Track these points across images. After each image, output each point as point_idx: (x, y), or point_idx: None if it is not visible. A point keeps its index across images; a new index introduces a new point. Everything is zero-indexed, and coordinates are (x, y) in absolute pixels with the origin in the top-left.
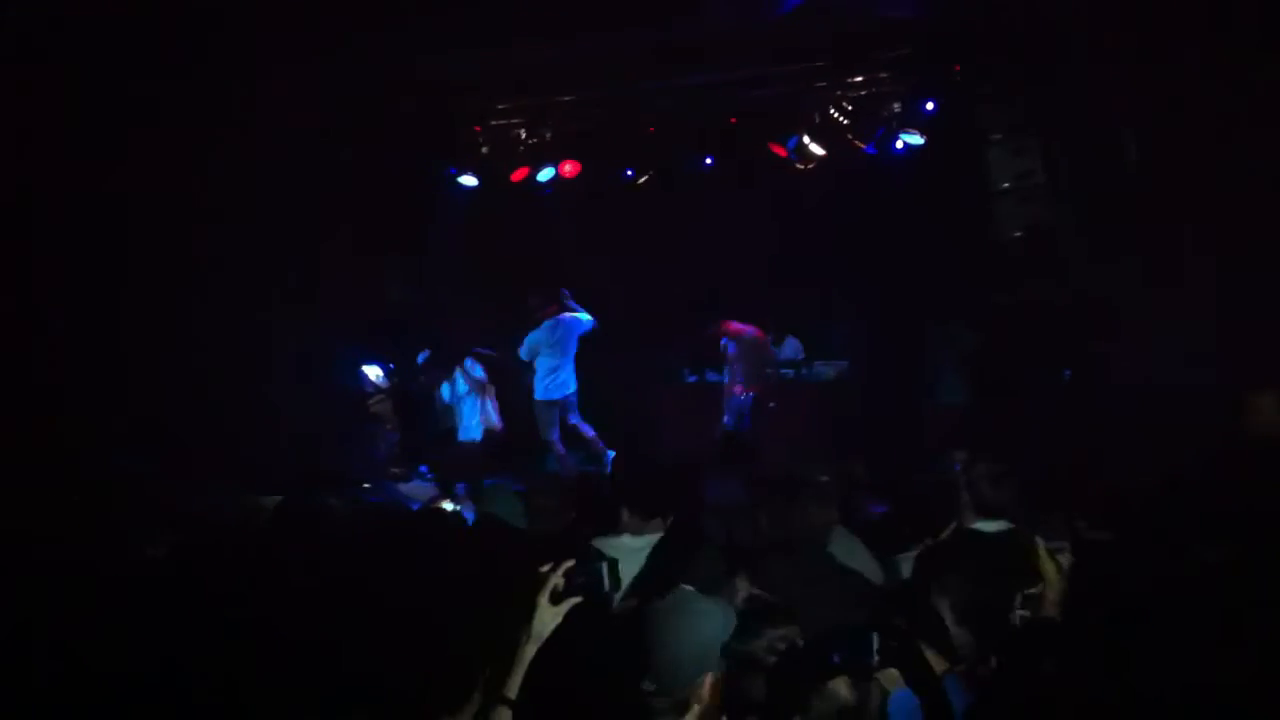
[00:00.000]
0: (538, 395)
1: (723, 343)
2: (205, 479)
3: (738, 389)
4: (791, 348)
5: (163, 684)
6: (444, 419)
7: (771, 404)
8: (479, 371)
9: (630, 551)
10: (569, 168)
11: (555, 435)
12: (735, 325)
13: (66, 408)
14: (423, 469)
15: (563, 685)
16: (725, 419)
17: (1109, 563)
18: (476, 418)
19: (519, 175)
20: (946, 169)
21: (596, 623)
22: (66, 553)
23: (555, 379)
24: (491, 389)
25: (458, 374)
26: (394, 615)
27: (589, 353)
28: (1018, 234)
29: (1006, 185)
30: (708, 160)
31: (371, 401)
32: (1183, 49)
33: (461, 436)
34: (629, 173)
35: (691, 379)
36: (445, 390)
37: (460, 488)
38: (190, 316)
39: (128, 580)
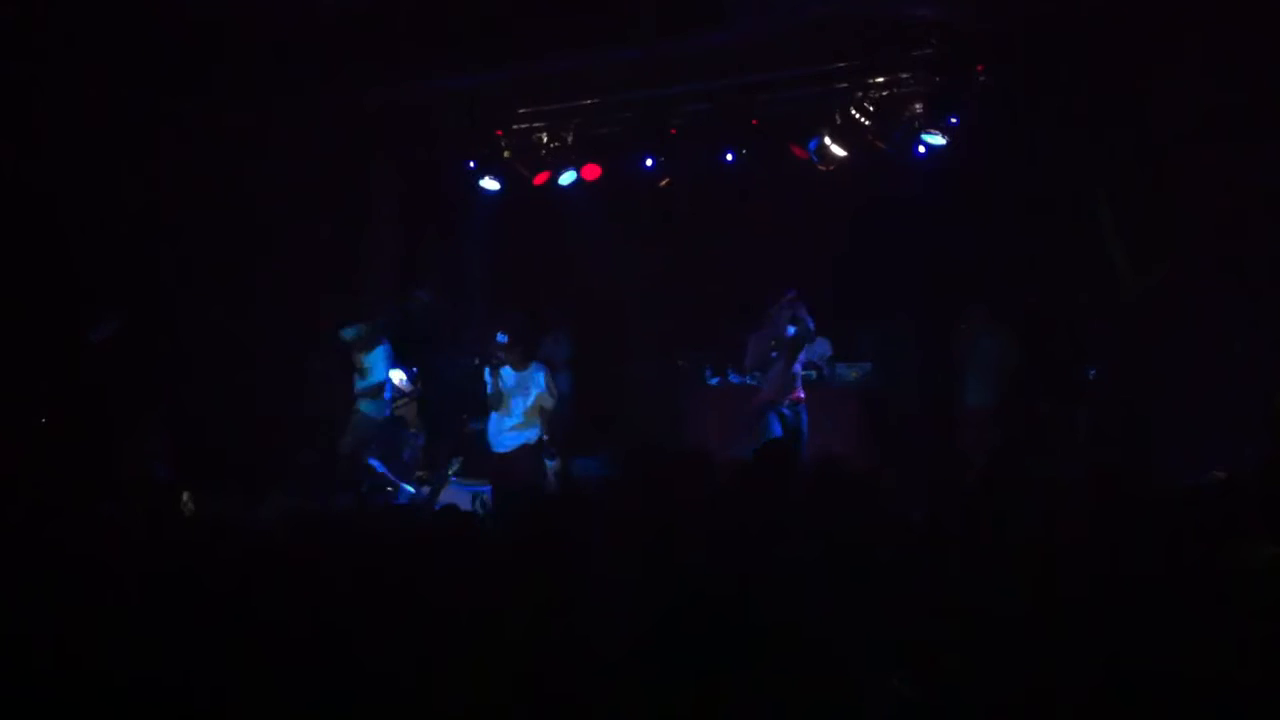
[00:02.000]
0: (380, 415)
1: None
2: (231, 483)
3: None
4: (820, 347)
5: (173, 688)
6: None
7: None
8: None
9: None
10: (590, 171)
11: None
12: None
13: (104, 413)
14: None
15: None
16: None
17: (1126, 564)
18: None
19: (540, 179)
20: (969, 169)
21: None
22: (94, 555)
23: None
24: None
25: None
26: (410, 616)
27: (614, 357)
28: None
29: (1030, 187)
30: (729, 158)
31: (396, 405)
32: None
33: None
34: (649, 174)
35: (714, 381)
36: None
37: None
38: (217, 320)
39: (150, 584)
